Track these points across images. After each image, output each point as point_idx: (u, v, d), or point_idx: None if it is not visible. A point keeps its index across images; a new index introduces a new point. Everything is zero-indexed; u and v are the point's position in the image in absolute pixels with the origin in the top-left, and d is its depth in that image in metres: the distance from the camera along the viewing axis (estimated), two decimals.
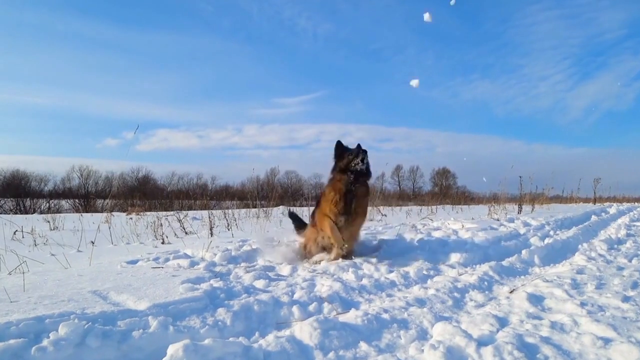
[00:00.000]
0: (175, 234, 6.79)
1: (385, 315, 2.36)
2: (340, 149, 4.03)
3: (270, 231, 7.08)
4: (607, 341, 2.01)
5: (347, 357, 1.94)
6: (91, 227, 7.65)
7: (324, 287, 2.97)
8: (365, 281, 3.22)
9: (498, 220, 7.94)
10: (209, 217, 7.20)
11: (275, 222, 9.00)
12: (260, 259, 4.07)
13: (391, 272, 3.51)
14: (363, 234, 5.77)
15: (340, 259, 3.87)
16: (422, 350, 1.93)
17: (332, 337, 2.04)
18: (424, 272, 3.61)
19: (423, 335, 2.20)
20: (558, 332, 2.15)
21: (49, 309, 2.15)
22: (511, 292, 3.04)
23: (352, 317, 2.31)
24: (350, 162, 3.86)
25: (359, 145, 4.01)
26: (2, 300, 2.30)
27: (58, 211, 24.57)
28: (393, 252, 4.52)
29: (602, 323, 2.21)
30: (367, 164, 3.93)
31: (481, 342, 1.96)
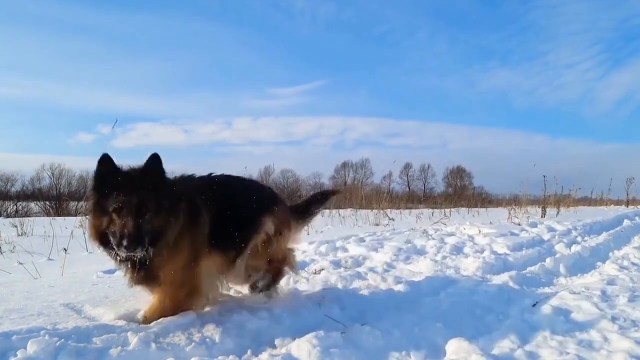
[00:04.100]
0: None
1: (394, 331, 2.36)
2: None
3: None
4: None
5: None
6: (64, 233, 7.62)
7: (324, 299, 2.96)
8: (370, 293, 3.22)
9: (519, 225, 7.95)
10: None
11: None
12: None
13: (400, 283, 3.52)
14: (369, 239, 5.78)
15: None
16: None
17: (333, 355, 2.04)
18: (437, 283, 3.61)
19: (436, 353, 2.20)
20: (587, 350, 2.15)
21: (16, 324, 2.15)
22: (534, 305, 3.04)
23: (356, 333, 2.31)
24: None
25: None
26: None
27: (27, 215, 24.58)
28: (400, 258, 4.62)
29: (635, 340, 2.21)
30: None
31: None
